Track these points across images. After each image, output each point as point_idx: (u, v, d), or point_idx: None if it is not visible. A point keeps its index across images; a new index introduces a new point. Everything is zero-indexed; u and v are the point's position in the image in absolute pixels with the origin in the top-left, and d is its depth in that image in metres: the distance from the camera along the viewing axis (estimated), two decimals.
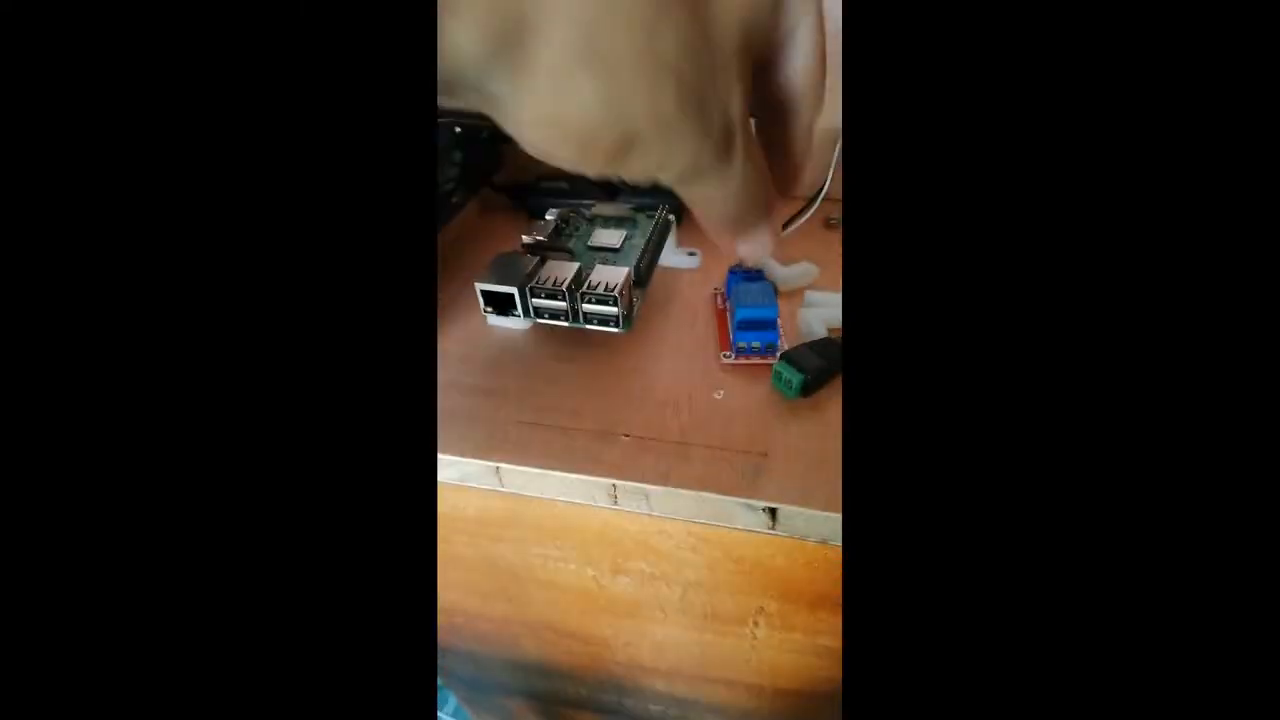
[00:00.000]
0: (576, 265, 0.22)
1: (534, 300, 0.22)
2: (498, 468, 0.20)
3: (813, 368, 0.21)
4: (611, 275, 0.21)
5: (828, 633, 0.33)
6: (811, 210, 0.22)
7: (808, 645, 0.34)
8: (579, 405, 0.22)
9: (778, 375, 0.22)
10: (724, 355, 0.24)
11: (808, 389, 0.21)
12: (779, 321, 0.24)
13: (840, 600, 0.33)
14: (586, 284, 0.21)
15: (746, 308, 0.23)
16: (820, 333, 0.24)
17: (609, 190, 0.32)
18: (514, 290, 0.21)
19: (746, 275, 0.26)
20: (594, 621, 0.38)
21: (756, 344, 0.23)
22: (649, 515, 0.22)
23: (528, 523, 0.27)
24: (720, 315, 0.26)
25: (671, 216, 0.28)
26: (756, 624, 0.34)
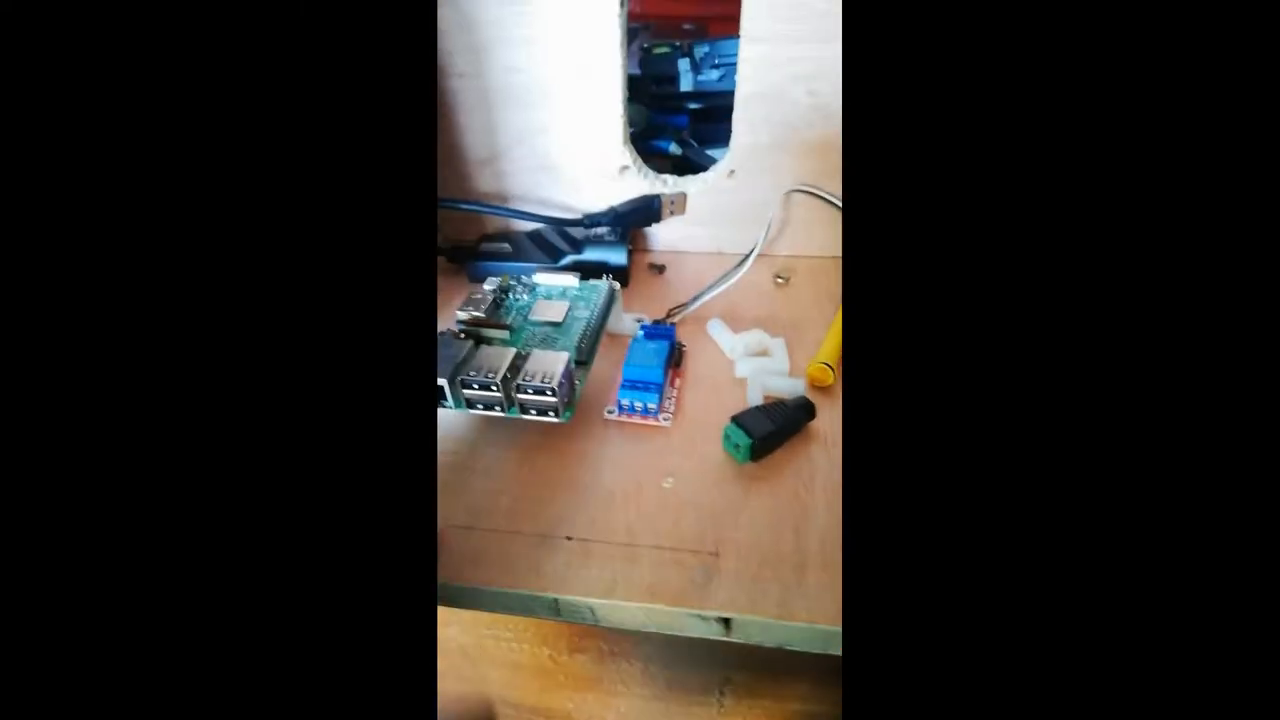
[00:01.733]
0: (512, 351, 0.21)
1: (465, 391, 0.20)
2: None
3: (761, 432, 0.21)
4: (550, 363, 0.20)
5: (796, 698, 0.32)
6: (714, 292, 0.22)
7: (777, 711, 0.33)
8: (515, 503, 0.20)
9: (727, 438, 0.21)
10: (608, 411, 0.23)
11: (756, 453, 0.21)
12: (671, 387, 0.24)
13: (809, 666, 0.32)
14: (523, 373, 0.20)
15: (635, 366, 0.23)
16: (756, 399, 0.23)
17: (551, 252, 0.31)
18: (442, 382, 0.20)
19: (653, 332, 0.25)
20: (554, 696, 0.35)
21: (639, 404, 0.23)
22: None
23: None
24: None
25: (616, 284, 0.27)
26: (722, 693, 0.32)
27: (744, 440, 0.20)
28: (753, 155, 0.30)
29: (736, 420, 0.21)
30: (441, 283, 0.32)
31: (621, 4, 0.27)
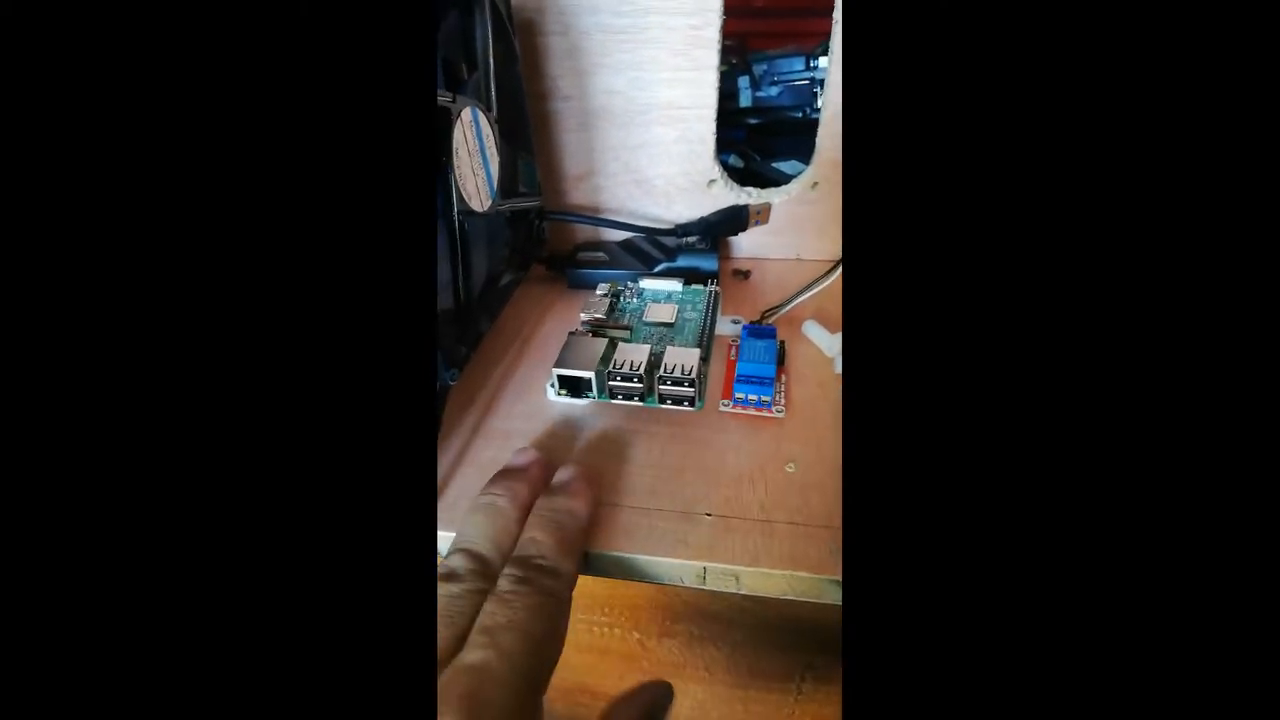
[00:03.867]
0: (648, 348, 0.23)
1: (610, 383, 0.22)
2: (585, 553, 0.21)
3: None
4: (685, 358, 0.22)
5: None
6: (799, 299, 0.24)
7: None
8: (655, 484, 0.22)
9: None
10: (723, 403, 0.25)
11: None
12: (779, 382, 0.26)
13: None
14: (663, 366, 0.22)
15: (747, 363, 0.25)
16: None
17: (644, 259, 0.33)
18: (591, 375, 0.22)
19: (756, 331, 0.27)
20: (634, 683, 0.37)
21: (753, 397, 0.25)
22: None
23: (579, 590, 0.27)
24: (731, 366, 0.27)
25: (718, 289, 0.29)
26: (803, 679, 0.34)
27: None
28: (835, 169, 0.32)
29: None
30: (541, 289, 0.34)
31: (720, 30, 0.29)
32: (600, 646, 0.36)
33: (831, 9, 0.28)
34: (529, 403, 0.26)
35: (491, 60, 0.25)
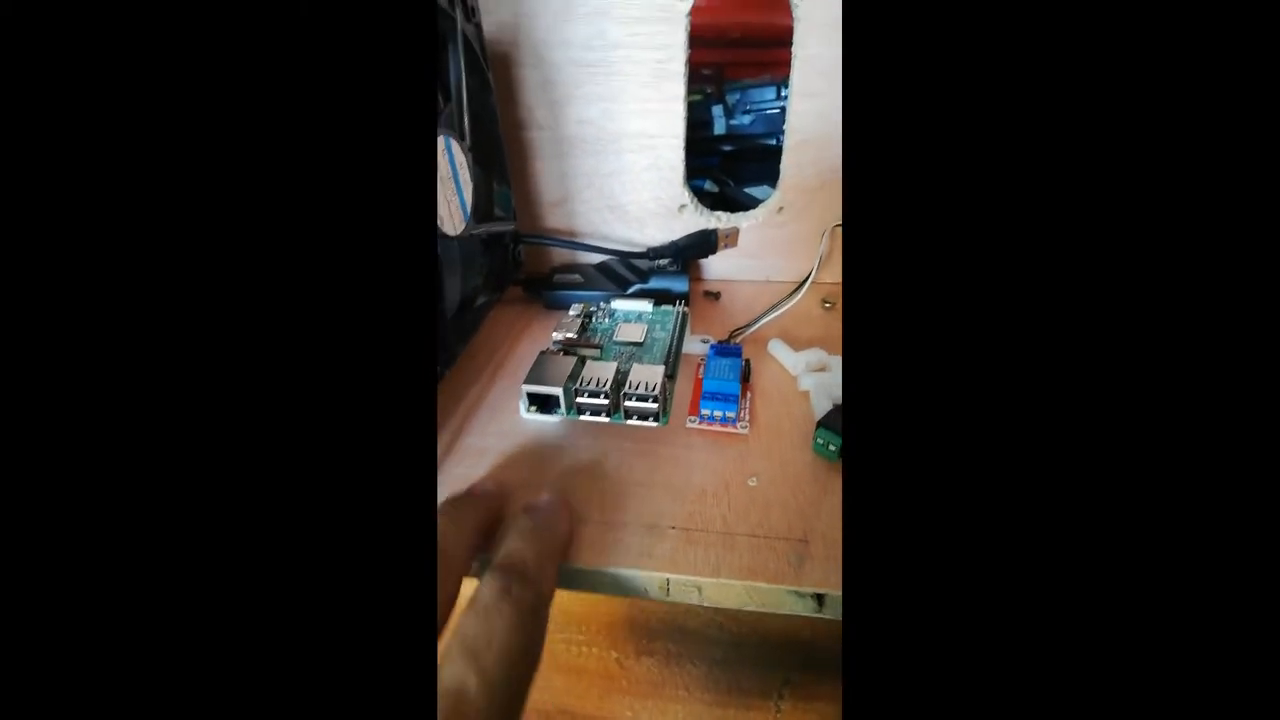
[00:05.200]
0: (614, 366, 0.24)
1: (578, 399, 0.23)
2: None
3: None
4: (649, 374, 0.23)
5: None
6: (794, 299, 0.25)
7: (832, 714, 0.34)
8: (620, 499, 0.23)
9: (818, 442, 0.24)
10: (689, 420, 0.26)
11: None
12: (744, 399, 0.27)
13: None
14: (628, 383, 0.23)
15: (713, 380, 0.26)
16: (823, 409, 0.26)
17: (618, 281, 0.34)
18: (559, 391, 0.23)
19: (723, 350, 0.28)
20: (614, 703, 0.37)
21: (718, 413, 0.26)
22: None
23: (555, 608, 0.28)
24: (698, 384, 0.28)
25: (686, 309, 0.30)
26: (781, 696, 0.34)
27: (836, 440, 0.23)
28: (800, 194, 0.34)
29: (824, 424, 0.24)
30: (518, 310, 0.35)
31: (686, 64, 0.31)
32: (577, 666, 0.36)
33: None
34: (502, 421, 0.27)
35: (465, 92, 0.26)
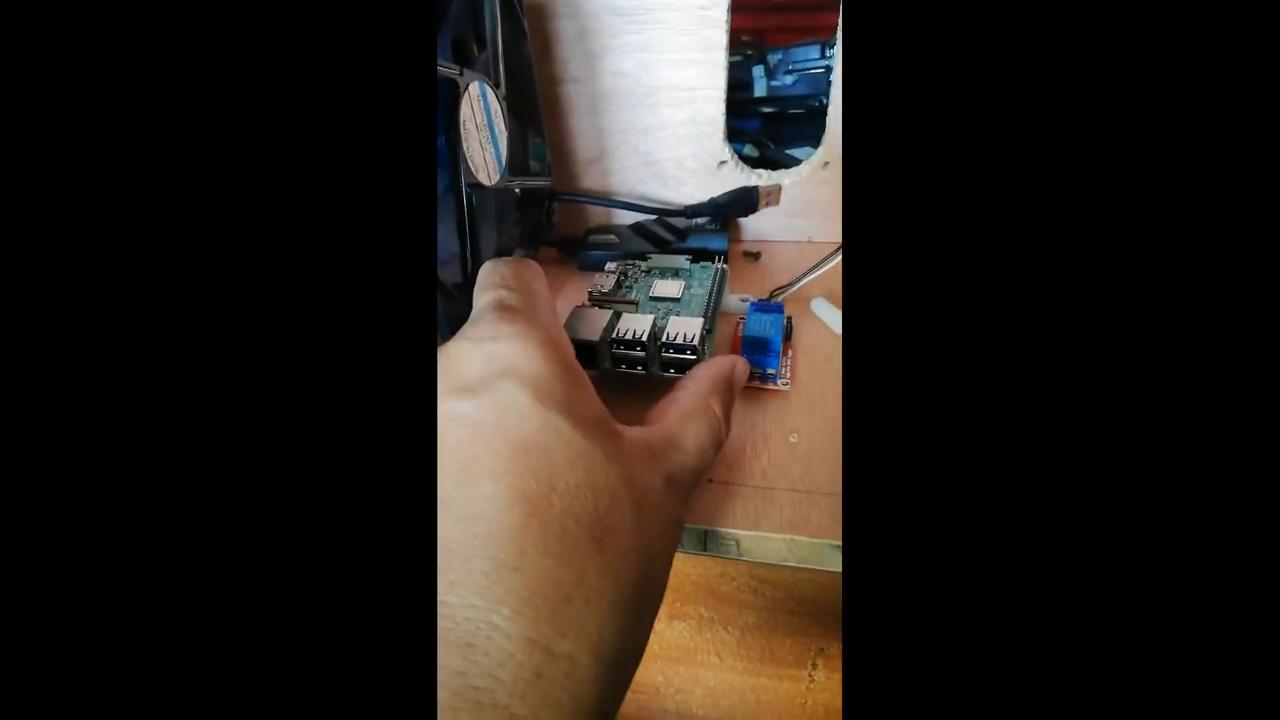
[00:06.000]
0: (650, 318, 0.23)
1: (614, 351, 0.22)
2: None
3: None
4: (687, 326, 0.22)
5: None
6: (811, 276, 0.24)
7: None
8: None
9: None
10: None
11: None
12: (785, 356, 0.26)
13: None
14: (665, 334, 0.22)
15: (753, 332, 0.25)
16: None
17: (655, 241, 0.33)
18: (594, 340, 0.22)
19: (763, 308, 0.27)
20: (645, 668, 0.37)
21: (758, 369, 0.24)
22: (712, 558, 0.23)
23: None
24: (737, 341, 0.27)
25: (725, 266, 0.29)
26: (815, 666, 0.33)
27: None
28: None
29: None
30: (554, 272, 0.34)
31: (728, 10, 0.30)
32: None
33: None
34: None
35: (500, 39, 0.25)
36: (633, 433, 0.17)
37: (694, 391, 0.19)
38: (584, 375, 0.17)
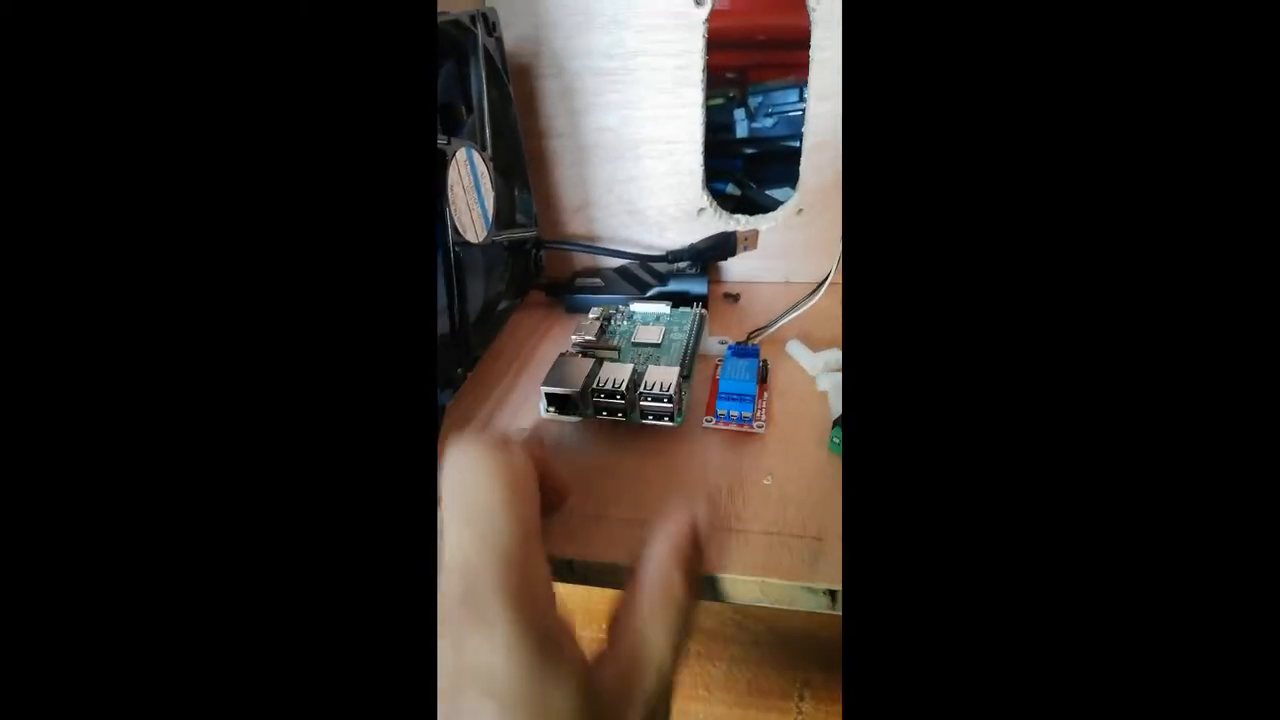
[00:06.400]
0: (630, 367, 0.24)
1: (595, 400, 0.24)
2: (571, 562, 0.22)
3: None
4: (664, 375, 0.24)
5: None
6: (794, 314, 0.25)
7: None
8: (638, 496, 0.24)
9: (835, 441, 0.24)
10: (706, 420, 0.26)
11: None
12: (760, 399, 0.27)
13: None
14: (643, 384, 0.23)
15: (729, 380, 0.26)
16: (839, 409, 0.26)
17: (638, 284, 0.35)
18: (575, 392, 0.23)
19: (740, 351, 0.29)
20: None
21: (734, 413, 0.26)
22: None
23: (573, 607, 0.28)
24: (715, 384, 0.28)
25: (704, 311, 0.30)
26: (802, 698, 0.34)
27: None
28: (819, 196, 0.34)
29: (840, 423, 0.24)
30: (540, 314, 0.36)
31: (704, 69, 0.31)
32: None
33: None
34: (524, 421, 0.27)
35: (486, 103, 0.27)
36: (602, 668, 0.16)
37: (653, 580, 0.18)
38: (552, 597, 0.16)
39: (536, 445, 0.22)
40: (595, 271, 0.36)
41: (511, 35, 0.31)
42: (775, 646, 0.34)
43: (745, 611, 0.30)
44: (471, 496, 0.16)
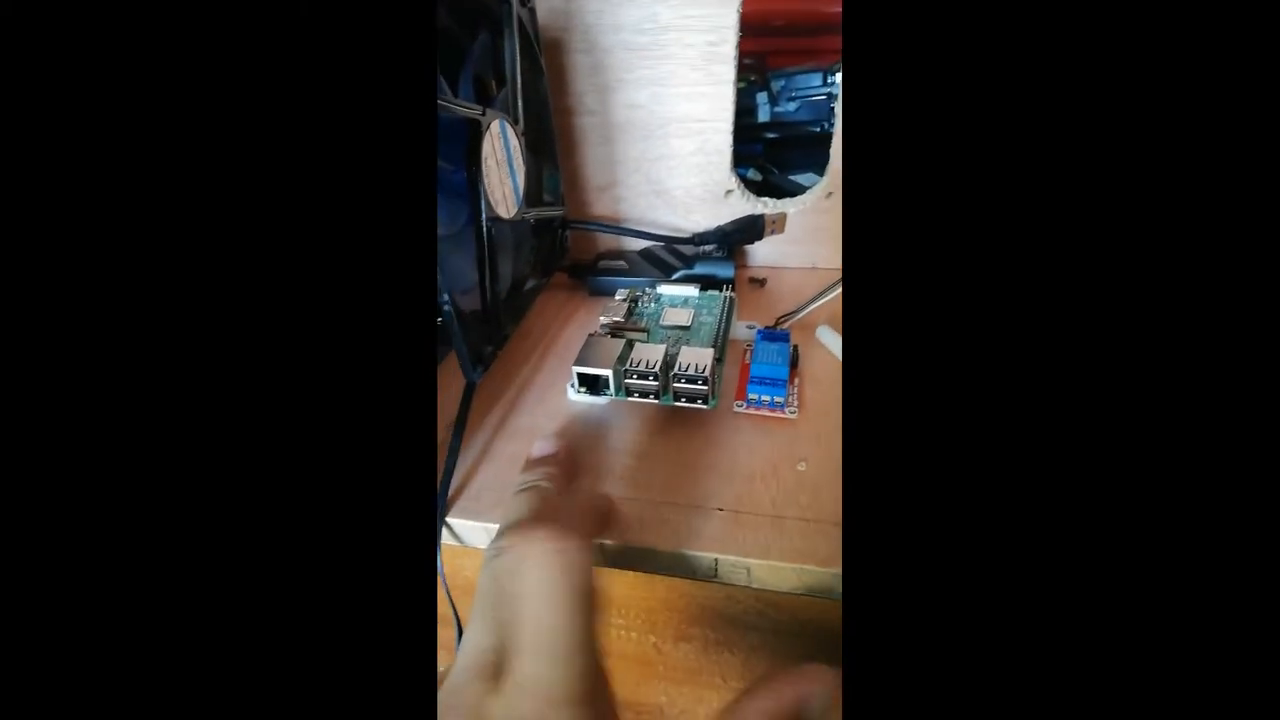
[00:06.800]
0: (663, 348, 0.24)
1: (627, 381, 0.23)
2: (602, 545, 0.21)
3: None
4: (699, 357, 0.23)
5: None
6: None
7: None
8: (669, 479, 0.23)
9: None
10: (737, 404, 0.26)
11: None
12: (791, 384, 0.27)
13: None
14: (677, 364, 0.23)
15: (761, 364, 0.26)
16: None
17: (663, 268, 0.34)
18: (608, 372, 0.23)
19: (770, 335, 0.28)
20: (649, 689, 0.38)
21: (766, 397, 0.25)
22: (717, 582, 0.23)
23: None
24: (745, 369, 0.27)
25: (733, 294, 0.30)
26: None
27: None
28: None
29: None
30: (564, 296, 0.35)
31: (737, 46, 0.31)
32: (616, 650, 0.37)
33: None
34: (550, 402, 0.27)
35: (519, 76, 0.26)
36: None
37: None
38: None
39: (571, 462, 0.22)
40: (619, 254, 0.36)
41: (544, 8, 0.30)
42: (797, 636, 0.33)
43: (768, 600, 0.30)
44: (536, 611, 0.16)
